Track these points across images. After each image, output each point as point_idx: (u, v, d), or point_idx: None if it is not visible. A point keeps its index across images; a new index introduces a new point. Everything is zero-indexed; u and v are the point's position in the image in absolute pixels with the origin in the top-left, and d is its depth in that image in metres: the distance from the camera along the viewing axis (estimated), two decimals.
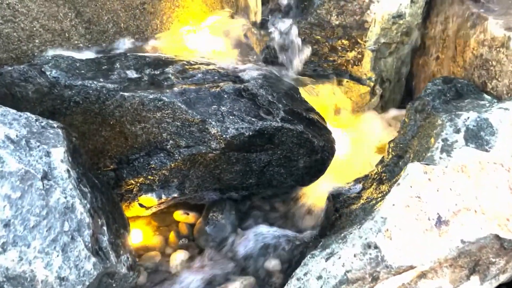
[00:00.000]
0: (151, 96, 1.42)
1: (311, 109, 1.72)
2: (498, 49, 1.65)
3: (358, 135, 1.96)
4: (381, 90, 2.07)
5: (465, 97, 1.68)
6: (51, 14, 1.55)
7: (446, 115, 1.44)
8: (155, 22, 1.83)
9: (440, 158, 1.26)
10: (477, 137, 1.32)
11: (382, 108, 2.14)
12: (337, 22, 1.89)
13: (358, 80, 2.02)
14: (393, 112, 2.09)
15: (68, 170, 0.98)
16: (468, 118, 1.37)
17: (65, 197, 0.95)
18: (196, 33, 1.96)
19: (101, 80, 1.43)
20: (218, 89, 1.53)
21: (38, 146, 0.99)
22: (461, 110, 1.48)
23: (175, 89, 1.47)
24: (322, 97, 2.00)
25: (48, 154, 0.99)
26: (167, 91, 1.45)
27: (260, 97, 1.55)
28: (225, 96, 1.53)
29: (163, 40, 1.88)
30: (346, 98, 2.03)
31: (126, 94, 1.41)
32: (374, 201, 1.39)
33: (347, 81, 2.01)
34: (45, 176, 0.95)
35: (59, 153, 1.00)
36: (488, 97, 1.56)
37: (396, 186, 1.17)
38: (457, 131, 1.35)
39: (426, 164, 1.22)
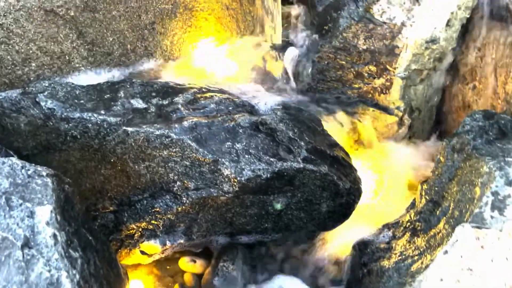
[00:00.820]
0: (157, 132, 1.25)
1: (335, 144, 1.54)
2: None
3: (384, 171, 1.78)
4: (410, 120, 1.89)
5: (510, 137, 1.50)
6: (50, 36, 1.40)
7: (493, 161, 1.26)
8: (165, 43, 1.67)
9: (492, 217, 1.08)
10: None
11: (410, 138, 1.95)
12: (364, 47, 1.72)
13: (385, 109, 1.84)
14: (423, 144, 1.91)
15: (54, 235, 0.82)
16: None
17: (49, 270, 0.78)
18: (209, 55, 1.80)
19: (102, 112, 1.27)
20: (232, 122, 1.36)
21: (21, 205, 0.84)
22: (510, 156, 1.30)
23: (185, 123, 1.30)
24: (345, 127, 1.83)
25: (31, 214, 0.83)
26: (176, 126, 1.28)
27: (279, 133, 1.38)
28: (241, 131, 1.36)
29: (174, 63, 1.72)
30: (372, 128, 1.85)
31: (129, 129, 1.25)
32: (410, 260, 1.21)
33: (373, 110, 1.82)
34: (26, 244, 0.79)
35: (45, 213, 0.84)
36: None
37: (444, 254, 0.99)
38: (509, 183, 1.16)
39: (477, 226, 1.04)
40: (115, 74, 1.56)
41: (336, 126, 1.82)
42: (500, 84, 1.69)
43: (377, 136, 1.90)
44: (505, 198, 1.14)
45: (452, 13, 1.73)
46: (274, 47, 1.85)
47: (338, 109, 1.83)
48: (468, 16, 1.80)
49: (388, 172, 1.80)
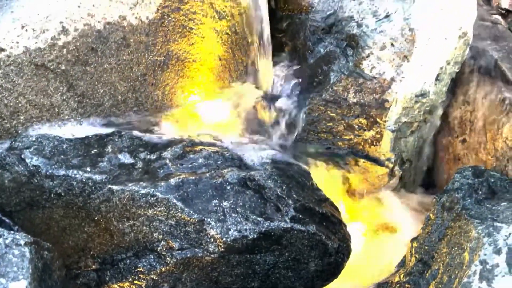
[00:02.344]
0: (143, 191, 1.24)
1: (324, 200, 1.53)
2: None
3: (374, 224, 1.76)
4: (400, 172, 1.88)
5: (499, 196, 1.49)
6: (39, 89, 1.40)
7: (482, 226, 1.25)
8: (156, 93, 1.67)
9: None
10: None
11: (401, 190, 1.94)
12: (354, 100, 1.73)
13: (376, 161, 1.83)
14: (414, 196, 1.90)
15: None
16: (510, 234, 1.17)
17: None
18: (201, 105, 1.81)
19: (88, 169, 1.26)
20: (220, 179, 1.35)
21: None
22: (499, 220, 1.29)
23: (172, 180, 1.29)
24: (336, 178, 1.82)
25: None
26: (162, 183, 1.27)
27: (267, 190, 1.37)
28: (228, 187, 1.35)
29: (166, 113, 1.72)
30: (362, 180, 1.85)
31: (115, 187, 1.24)
32: None
33: (363, 162, 1.82)
34: None
35: None
36: None
37: None
38: (498, 251, 1.15)
39: None
40: (106, 125, 1.56)
41: (326, 177, 1.81)
42: (489, 140, 1.69)
43: (368, 187, 1.90)
44: (493, 268, 1.12)
45: (441, 68, 1.75)
46: (265, 97, 1.86)
47: (329, 161, 1.83)
48: (457, 70, 1.82)
49: (378, 225, 1.78)
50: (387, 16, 1.63)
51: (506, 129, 1.59)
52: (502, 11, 2.03)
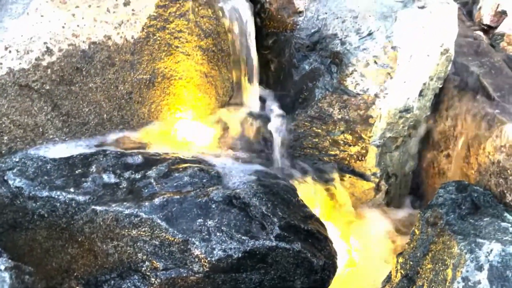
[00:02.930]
0: (126, 212, 1.24)
1: (310, 216, 1.53)
2: None
3: (361, 239, 1.77)
4: (386, 186, 1.90)
5: (482, 211, 1.50)
6: (24, 109, 1.40)
7: (464, 242, 1.26)
8: (142, 111, 1.68)
9: None
10: (503, 278, 1.13)
11: (388, 204, 1.96)
12: (339, 116, 1.75)
13: (362, 176, 1.85)
14: (400, 210, 1.91)
15: None
16: (491, 251, 1.19)
17: None
18: (187, 123, 1.81)
19: (72, 190, 1.26)
20: (205, 197, 1.35)
21: None
22: (481, 235, 1.30)
23: (156, 200, 1.29)
24: (323, 193, 1.83)
25: None
26: (146, 203, 1.27)
27: (252, 208, 1.37)
28: (213, 206, 1.35)
29: (152, 131, 1.73)
30: (349, 195, 1.86)
31: (98, 208, 1.23)
32: None
33: (349, 177, 1.84)
34: None
35: None
36: (510, 218, 1.38)
37: None
38: (480, 268, 1.16)
39: None
40: (91, 143, 1.56)
41: (313, 192, 1.82)
42: (472, 155, 1.72)
43: (354, 201, 1.91)
44: (475, 285, 1.13)
45: (424, 83, 1.78)
46: (251, 113, 1.87)
47: (315, 176, 1.84)
48: (440, 86, 1.85)
49: (365, 240, 1.78)
50: (370, 34, 1.66)
51: (488, 144, 1.62)
52: (484, 27, 2.07)
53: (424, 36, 1.67)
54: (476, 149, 1.71)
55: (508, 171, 1.55)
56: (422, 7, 1.64)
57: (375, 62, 1.65)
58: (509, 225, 1.34)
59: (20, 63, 1.35)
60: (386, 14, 1.62)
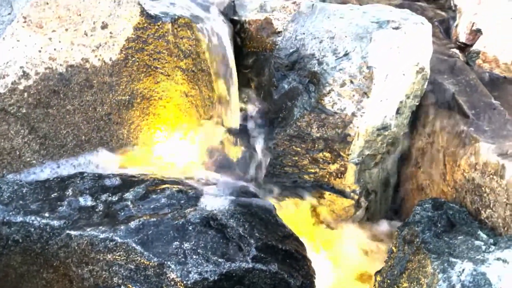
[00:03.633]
0: (101, 236, 1.24)
1: (288, 236, 1.54)
2: (491, 176, 1.52)
3: (341, 256, 1.78)
4: (366, 203, 1.92)
5: (458, 229, 1.52)
6: (0, 133, 1.40)
7: (438, 261, 1.28)
8: (121, 132, 1.69)
9: None
10: None
11: (368, 220, 1.97)
12: (318, 135, 1.77)
13: (342, 193, 1.86)
14: (379, 227, 1.93)
15: None
16: (463, 270, 1.20)
17: None
18: (167, 142, 1.82)
19: (46, 214, 1.26)
20: (182, 219, 1.36)
21: None
22: (454, 254, 1.32)
23: (132, 223, 1.29)
24: (303, 211, 1.84)
25: None
26: (122, 227, 1.27)
27: (229, 229, 1.38)
28: (190, 228, 1.35)
29: (131, 151, 1.73)
30: (329, 212, 1.87)
31: (73, 233, 1.23)
32: None
33: (329, 194, 1.85)
34: None
35: None
36: (484, 236, 1.40)
37: None
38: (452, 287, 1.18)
39: None
40: (69, 165, 1.56)
41: (293, 210, 1.84)
42: (449, 171, 1.74)
43: (334, 218, 1.92)
44: None
45: (401, 102, 1.81)
46: (231, 131, 1.88)
47: (295, 193, 1.85)
48: (417, 103, 1.88)
49: (344, 257, 1.79)
50: (346, 55, 1.68)
51: (463, 161, 1.64)
52: (461, 44, 2.11)
53: (399, 56, 1.70)
54: (452, 166, 1.73)
55: (482, 188, 1.57)
56: (397, 28, 1.67)
57: (352, 82, 1.67)
58: (482, 243, 1.36)
59: None
60: (362, 35, 1.65)
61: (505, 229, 1.49)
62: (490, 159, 1.53)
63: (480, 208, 1.58)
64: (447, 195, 1.75)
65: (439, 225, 1.52)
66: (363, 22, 1.69)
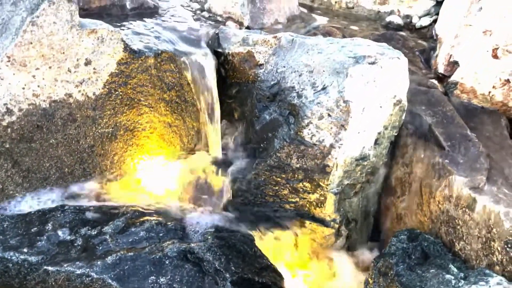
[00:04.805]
0: (78, 272, 1.27)
1: (266, 267, 1.57)
2: (464, 209, 1.56)
3: (321, 286, 1.80)
4: (347, 231, 1.94)
5: (431, 261, 1.55)
6: None
7: None
8: (104, 163, 1.72)
9: None
10: None
11: (349, 248, 2.00)
12: (298, 165, 1.81)
13: (322, 222, 1.89)
14: (360, 255, 1.95)
15: None
16: None
17: None
18: (151, 171, 1.86)
19: (25, 250, 1.29)
20: (159, 253, 1.39)
21: None
22: (426, 287, 1.35)
23: (109, 259, 1.32)
24: (283, 241, 1.87)
25: None
26: (98, 263, 1.30)
27: (206, 263, 1.41)
28: (167, 262, 1.38)
29: (114, 182, 1.76)
30: (310, 240, 1.90)
31: (50, 268, 1.26)
32: None
33: (310, 223, 1.88)
34: None
35: None
36: (455, 270, 1.43)
37: None
38: None
39: None
40: (52, 197, 1.59)
41: (274, 240, 1.86)
42: (425, 202, 1.78)
43: (315, 247, 1.95)
44: None
45: (379, 133, 1.85)
46: (214, 161, 1.92)
47: (276, 223, 1.88)
48: (396, 134, 1.92)
49: (325, 287, 1.82)
50: (324, 88, 1.73)
51: (438, 193, 1.68)
52: (439, 75, 2.16)
53: (376, 89, 1.74)
54: (428, 197, 1.77)
55: (456, 220, 1.61)
56: (373, 63, 1.72)
57: (329, 115, 1.72)
58: (453, 277, 1.39)
59: None
60: (338, 70, 1.70)
61: (477, 261, 1.52)
62: (463, 192, 1.57)
63: (454, 240, 1.61)
64: (424, 225, 1.78)
65: (413, 257, 1.56)
66: (340, 57, 1.74)
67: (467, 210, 1.54)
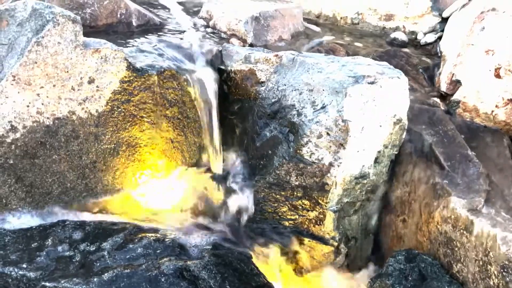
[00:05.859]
0: None
1: (262, 285, 1.58)
2: (461, 231, 1.55)
3: None
4: (346, 249, 1.94)
5: (428, 283, 1.54)
6: None
7: None
8: (106, 178, 1.76)
9: None
10: None
11: (349, 266, 1.99)
12: (297, 183, 1.82)
13: (321, 239, 1.89)
14: (359, 273, 1.95)
15: None
16: None
17: None
18: (152, 186, 1.89)
19: (24, 265, 1.32)
20: (156, 271, 1.41)
21: None
22: None
23: (105, 275, 1.34)
24: (281, 257, 1.87)
25: None
26: (95, 279, 1.32)
27: (201, 281, 1.42)
28: (163, 279, 1.40)
29: (116, 196, 1.80)
30: (309, 258, 1.90)
31: (48, 284, 1.29)
32: None
33: (309, 240, 1.89)
34: None
35: None
36: None
37: None
38: None
39: None
40: (54, 212, 1.63)
41: (272, 257, 1.87)
42: (424, 222, 1.77)
43: (314, 264, 1.95)
44: None
45: (379, 151, 1.85)
46: (214, 177, 1.94)
47: (275, 240, 1.89)
48: (396, 152, 1.92)
49: None
50: (323, 107, 1.75)
51: (437, 213, 1.68)
52: (442, 93, 2.16)
53: (375, 109, 1.75)
54: (427, 217, 1.76)
55: (454, 242, 1.60)
56: (372, 83, 1.73)
57: (328, 134, 1.73)
58: None
59: None
60: (338, 89, 1.72)
61: (474, 285, 1.51)
62: (461, 214, 1.57)
63: (452, 262, 1.60)
64: (423, 245, 1.77)
65: (410, 278, 1.55)
66: (340, 76, 1.75)
67: (465, 232, 1.53)
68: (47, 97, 1.53)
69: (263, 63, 1.94)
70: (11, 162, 1.51)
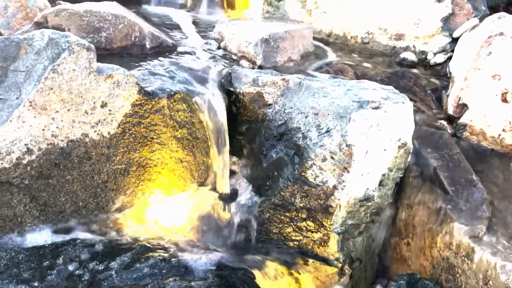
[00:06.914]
0: None
1: None
2: (463, 258, 1.56)
3: None
4: (350, 270, 1.96)
5: None
6: (4, 202, 1.56)
7: None
8: (117, 197, 1.82)
9: None
10: None
11: (353, 287, 2.01)
12: (301, 205, 1.86)
13: (325, 261, 1.92)
14: None
15: None
16: None
17: None
18: (161, 205, 1.95)
19: (36, 284, 1.39)
20: None
21: None
22: None
23: None
24: (286, 278, 1.90)
25: None
26: None
27: None
28: None
29: (125, 215, 1.86)
30: (313, 279, 1.93)
31: None
32: None
33: (313, 261, 1.91)
34: None
35: None
36: None
37: None
38: None
39: None
40: (66, 229, 1.70)
41: (276, 277, 1.90)
42: (427, 247, 1.78)
43: (318, 285, 1.97)
44: None
45: (383, 174, 1.88)
46: (221, 197, 1.99)
47: (279, 260, 1.92)
48: (401, 175, 1.94)
49: None
50: (327, 131, 1.78)
51: (439, 238, 1.69)
52: (449, 115, 2.17)
53: (380, 133, 1.78)
54: (430, 241, 1.78)
55: (456, 269, 1.61)
56: (377, 108, 1.76)
57: (332, 157, 1.76)
58: None
59: (2, 163, 1.52)
60: (342, 114, 1.75)
61: None
62: (463, 241, 1.58)
63: None
64: (426, 270, 1.78)
65: None
66: (345, 101, 1.79)
67: (466, 259, 1.54)
68: (62, 120, 1.61)
69: (271, 86, 1.99)
70: (27, 182, 1.59)
